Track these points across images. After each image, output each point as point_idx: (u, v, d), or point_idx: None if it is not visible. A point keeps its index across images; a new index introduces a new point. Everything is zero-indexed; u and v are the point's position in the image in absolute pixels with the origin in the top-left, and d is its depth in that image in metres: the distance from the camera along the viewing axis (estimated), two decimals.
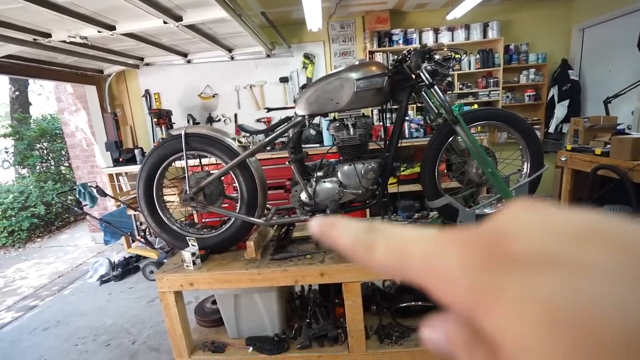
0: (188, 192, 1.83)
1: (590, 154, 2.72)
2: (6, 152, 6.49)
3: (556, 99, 4.13)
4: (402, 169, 3.44)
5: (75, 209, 3.49)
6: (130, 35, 2.99)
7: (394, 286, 2.14)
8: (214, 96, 4.47)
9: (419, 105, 1.81)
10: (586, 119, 3.00)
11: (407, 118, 3.79)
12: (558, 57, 4.22)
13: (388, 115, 1.88)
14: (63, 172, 6.58)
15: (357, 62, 1.68)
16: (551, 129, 4.23)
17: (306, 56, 4.22)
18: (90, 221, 4.79)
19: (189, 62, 4.28)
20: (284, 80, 4.29)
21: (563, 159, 3.04)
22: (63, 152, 6.42)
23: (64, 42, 2.79)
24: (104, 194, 3.50)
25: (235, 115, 4.45)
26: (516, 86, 4.28)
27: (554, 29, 4.24)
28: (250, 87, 4.37)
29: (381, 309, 1.98)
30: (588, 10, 3.97)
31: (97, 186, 3.50)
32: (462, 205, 1.78)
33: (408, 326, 1.87)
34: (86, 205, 3.52)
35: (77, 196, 3.50)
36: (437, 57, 1.60)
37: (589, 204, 2.56)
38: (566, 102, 4.07)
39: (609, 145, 2.60)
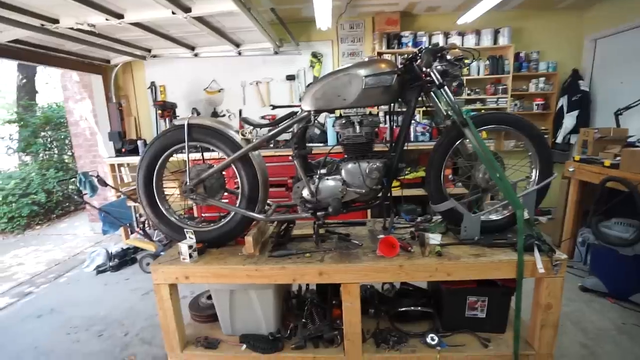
0: (188, 183, 1.80)
1: (599, 166, 2.67)
2: (10, 139, 6.50)
3: (565, 109, 4.08)
4: (406, 172, 3.40)
5: (75, 197, 3.46)
6: (138, 25, 2.97)
7: (393, 290, 2.10)
8: (219, 91, 4.46)
9: (427, 108, 1.76)
10: (596, 130, 2.96)
11: (413, 121, 3.75)
12: (569, 67, 4.17)
13: (395, 117, 1.84)
14: (66, 160, 6.57)
15: (366, 59, 1.65)
16: (559, 140, 4.18)
17: (314, 55, 4.19)
18: (89, 211, 4.78)
19: (196, 55, 4.26)
20: (290, 78, 4.27)
21: (571, 170, 2.99)
22: (66, 141, 6.42)
23: (72, 29, 2.78)
24: (104, 184, 3.49)
25: (240, 111, 4.43)
26: (525, 94, 4.23)
27: (566, 38, 4.20)
28: (257, 83, 4.35)
29: (379, 313, 1.94)
30: (601, 21, 3.92)
31: (98, 176, 3.48)
32: (467, 211, 1.74)
33: (406, 332, 1.83)
34: (86, 194, 3.50)
35: (78, 185, 3.48)
36: (448, 57, 1.56)
37: (597, 216, 2.50)
38: (575, 113, 4.01)
39: (618, 158, 2.55)
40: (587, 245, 2.83)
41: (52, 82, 9.84)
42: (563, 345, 1.96)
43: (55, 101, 7.14)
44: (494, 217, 1.81)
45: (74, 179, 3.67)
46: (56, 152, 6.62)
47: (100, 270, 3.48)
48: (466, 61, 1.66)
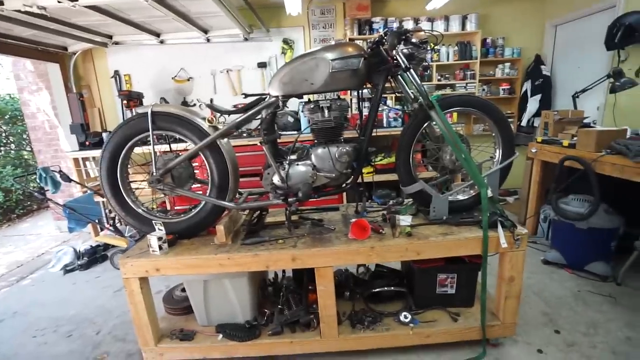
0: (155, 173, 1.74)
1: (559, 146, 2.82)
2: None
3: (529, 94, 4.25)
4: (379, 158, 3.44)
5: (36, 194, 3.26)
6: (96, 8, 2.78)
7: (368, 272, 2.15)
8: (188, 80, 4.29)
9: (396, 94, 1.78)
10: (555, 112, 3.11)
11: (385, 107, 3.78)
12: (532, 53, 4.33)
13: (366, 104, 1.85)
14: (25, 156, 6.15)
15: (333, 43, 1.63)
16: (523, 123, 4.36)
17: (285, 41, 4.11)
18: (54, 208, 4.53)
19: (162, 42, 4.06)
20: (262, 65, 4.18)
21: (533, 151, 3.14)
22: (24, 136, 6.00)
23: (19, 11, 2.56)
24: (68, 180, 3.30)
25: (211, 100, 4.29)
26: (492, 79, 4.37)
27: (529, 24, 4.34)
28: (227, 71, 4.23)
29: (354, 295, 1.98)
30: (561, 7, 4.08)
31: (60, 171, 3.29)
32: (435, 191, 1.79)
33: (380, 312, 1.89)
34: (48, 190, 3.31)
35: (39, 181, 3.28)
36: (413, 39, 1.58)
37: (556, 194, 2.65)
38: (538, 97, 4.19)
39: (575, 138, 2.70)
40: (549, 221, 3.01)
41: (3, 72, 9.09)
42: (526, 314, 2.09)
43: (8, 92, 6.62)
44: (461, 197, 1.88)
45: (33, 175, 3.44)
46: (13, 147, 6.17)
47: (68, 269, 3.32)
48: (431, 44, 1.69)
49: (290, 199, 1.69)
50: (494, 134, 1.85)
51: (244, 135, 3.65)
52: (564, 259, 2.63)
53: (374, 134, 1.73)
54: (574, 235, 2.52)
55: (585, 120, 2.98)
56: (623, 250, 2.41)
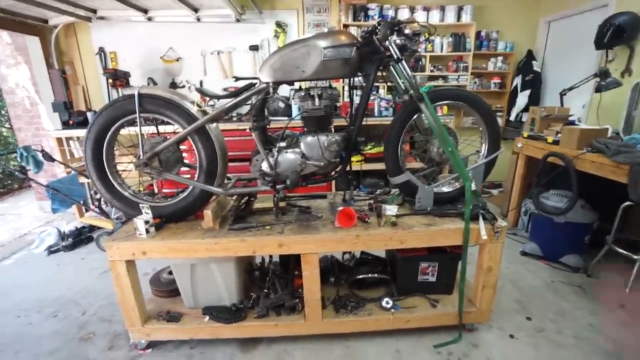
0: (142, 157, 1.72)
1: (543, 142, 2.89)
2: None
3: (519, 88, 4.31)
4: (369, 147, 3.47)
5: (18, 174, 3.17)
6: None
7: (353, 259, 2.20)
8: (177, 60, 4.17)
9: (386, 83, 1.79)
10: (543, 108, 3.17)
11: (377, 96, 3.78)
12: (525, 48, 4.36)
13: (358, 92, 1.85)
14: (4, 134, 5.94)
15: (326, 30, 1.62)
16: (512, 117, 4.43)
17: (278, 24, 4.02)
18: (36, 188, 4.42)
19: (149, 19, 3.92)
20: (254, 48, 4.08)
21: (519, 146, 3.21)
22: (3, 112, 5.76)
23: None
24: (51, 159, 3.22)
25: (201, 82, 4.20)
26: (484, 73, 4.39)
27: (524, 19, 4.35)
28: (218, 53, 4.12)
29: (339, 281, 2.04)
30: (555, 3, 4.10)
31: (42, 150, 3.20)
32: (421, 183, 1.83)
33: (364, 297, 1.95)
34: (30, 170, 3.22)
35: (20, 160, 3.18)
36: (406, 31, 1.57)
37: (538, 188, 2.74)
38: (528, 92, 4.25)
39: (560, 135, 2.77)
40: (529, 215, 3.11)
41: None
42: (501, 301, 2.20)
43: None
44: (446, 189, 1.93)
45: (14, 154, 3.34)
46: None
47: (52, 250, 3.28)
48: (425, 34, 1.69)
49: (278, 186, 1.70)
50: (481, 129, 1.89)
51: (234, 119, 3.60)
52: (540, 250, 2.74)
53: (364, 123, 1.74)
54: (552, 229, 2.62)
55: (571, 118, 3.05)
56: (595, 245, 2.53)
